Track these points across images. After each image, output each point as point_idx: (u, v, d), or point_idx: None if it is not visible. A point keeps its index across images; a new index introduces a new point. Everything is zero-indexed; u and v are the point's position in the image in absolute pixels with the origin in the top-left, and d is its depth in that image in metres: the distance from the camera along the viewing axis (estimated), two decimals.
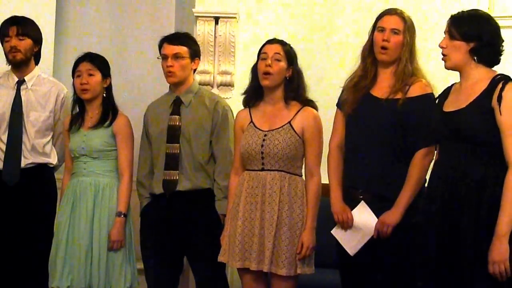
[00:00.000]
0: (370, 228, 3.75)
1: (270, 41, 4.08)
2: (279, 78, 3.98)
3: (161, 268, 4.32)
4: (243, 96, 4.14)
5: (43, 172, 4.59)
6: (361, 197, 3.80)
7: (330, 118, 4.06)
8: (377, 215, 3.75)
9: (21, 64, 4.58)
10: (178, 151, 4.29)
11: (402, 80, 3.79)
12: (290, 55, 4.02)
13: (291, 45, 4.08)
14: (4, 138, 4.53)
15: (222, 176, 4.28)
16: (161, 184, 4.29)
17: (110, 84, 4.43)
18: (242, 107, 4.14)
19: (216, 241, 4.13)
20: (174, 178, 4.27)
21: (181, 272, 4.45)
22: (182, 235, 4.26)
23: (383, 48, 3.81)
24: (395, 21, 3.83)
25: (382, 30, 3.83)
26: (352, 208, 3.82)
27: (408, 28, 3.83)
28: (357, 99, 3.84)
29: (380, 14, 3.90)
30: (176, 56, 4.31)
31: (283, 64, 3.98)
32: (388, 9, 3.94)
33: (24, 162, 4.51)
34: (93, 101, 4.38)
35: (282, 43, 4.06)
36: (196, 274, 4.37)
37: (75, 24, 5.69)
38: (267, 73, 3.96)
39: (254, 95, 4.07)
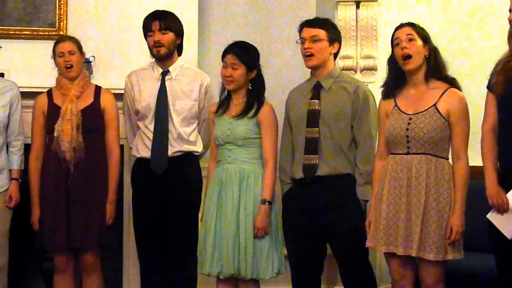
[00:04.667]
0: None
1: (399, 26, 4.09)
2: (420, 58, 3.99)
3: (303, 253, 4.38)
4: (382, 89, 4.17)
5: (189, 160, 4.72)
6: None
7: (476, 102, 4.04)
8: None
9: (165, 57, 4.71)
10: (318, 135, 4.32)
11: None
12: (423, 34, 4.03)
13: (422, 26, 4.10)
14: (151, 127, 4.69)
15: (364, 162, 4.29)
16: (301, 168, 4.34)
17: (257, 75, 4.47)
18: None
19: (358, 227, 4.18)
20: (314, 162, 4.30)
21: (324, 257, 4.49)
22: (323, 221, 4.29)
23: None
24: None
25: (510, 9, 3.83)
26: (508, 191, 3.77)
27: None
28: (508, 80, 3.78)
29: None
30: (314, 39, 4.35)
31: (418, 43, 4.00)
32: None
33: (171, 151, 4.64)
34: (237, 91, 4.46)
35: (410, 24, 4.07)
36: (339, 259, 4.41)
37: (218, 14, 5.81)
38: (406, 57, 3.98)
39: (394, 85, 4.09)
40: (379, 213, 4.01)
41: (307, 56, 4.37)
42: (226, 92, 4.51)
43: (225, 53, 4.46)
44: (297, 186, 4.41)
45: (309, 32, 4.37)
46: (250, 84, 4.45)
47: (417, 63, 3.99)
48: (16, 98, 4.72)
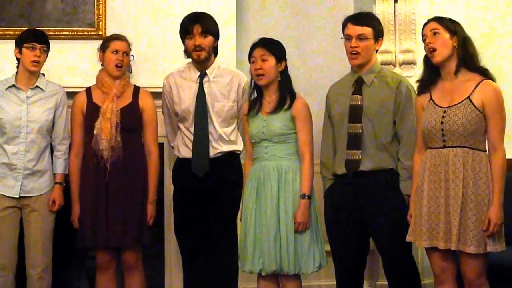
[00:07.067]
0: None
1: (425, 23, 4.20)
2: (446, 50, 4.09)
3: (347, 249, 4.47)
4: (417, 84, 4.27)
5: (231, 159, 4.84)
6: None
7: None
8: None
9: (204, 61, 4.80)
10: (360, 131, 4.41)
11: None
12: (450, 26, 4.11)
13: (451, 18, 4.19)
14: (192, 129, 4.80)
15: (407, 156, 4.37)
16: (344, 164, 4.43)
17: (286, 68, 4.55)
18: None
19: (401, 222, 4.26)
20: (357, 157, 4.39)
21: (367, 253, 4.60)
22: (366, 216, 4.39)
23: None
24: None
25: None
26: None
27: None
28: None
29: None
30: (361, 37, 4.43)
31: (444, 36, 4.09)
32: None
33: (212, 152, 4.76)
34: (269, 86, 4.54)
35: (436, 19, 4.16)
36: (383, 254, 4.50)
37: (255, 11, 5.87)
38: (432, 50, 4.08)
39: (429, 80, 4.18)
40: (419, 208, 4.10)
41: (353, 54, 4.44)
42: (255, 92, 4.59)
43: (252, 49, 4.57)
44: (339, 182, 4.51)
45: (355, 30, 4.44)
46: (280, 77, 4.52)
47: (443, 55, 4.08)
48: (62, 102, 4.88)
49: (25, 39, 4.77)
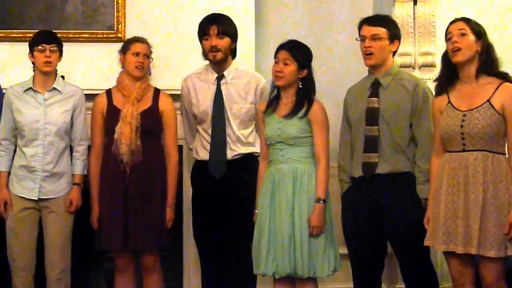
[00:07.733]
0: None
1: (453, 21, 4.19)
2: (470, 52, 4.07)
3: (364, 252, 4.47)
4: (435, 84, 4.26)
5: (250, 161, 4.84)
6: None
7: None
8: None
9: (220, 62, 4.83)
10: (377, 134, 4.41)
11: None
12: (477, 29, 4.11)
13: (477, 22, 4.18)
14: (210, 131, 4.82)
15: (424, 160, 4.37)
16: (361, 167, 4.44)
17: (308, 75, 4.52)
18: None
19: (418, 226, 4.26)
20: (374, 160, 4.40)
21: (385, 255, 4.59)
22: (383, 219, 4.38)
23: None
24: None
25: None
26: None
27: None
28: None
29: None
30: (374, 38, 4.44)
31: (470, 38, 4.08)
32: None
33: (230, 154, 4.79)
34: (287, 89, 4.52)
35: (464, 19, 4.16)
36: (400, 258, 4.50)
37: (275, 14, 5.89)
38: (456, 50, 4.07)
39: (447, 81, 4.17)
40: (437, 212, 4.09)
41: (367, 54, 4.46)
42: (276, 90, 4.58)
43: (278, 49, 4.54)
44: (357, 185, 4.51)
45: (369, 30, 4.46)
46: (300, 83, 4.51)
47: (466, 56, 4.07)
48: (80, 103, 4.90)
49: (34, 42, 4.81)
